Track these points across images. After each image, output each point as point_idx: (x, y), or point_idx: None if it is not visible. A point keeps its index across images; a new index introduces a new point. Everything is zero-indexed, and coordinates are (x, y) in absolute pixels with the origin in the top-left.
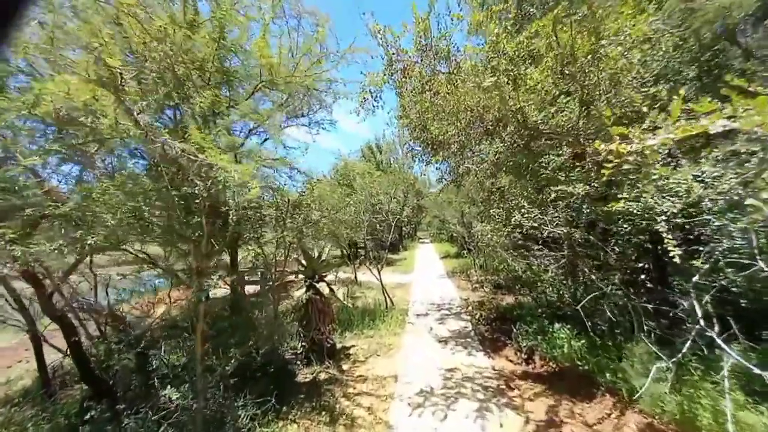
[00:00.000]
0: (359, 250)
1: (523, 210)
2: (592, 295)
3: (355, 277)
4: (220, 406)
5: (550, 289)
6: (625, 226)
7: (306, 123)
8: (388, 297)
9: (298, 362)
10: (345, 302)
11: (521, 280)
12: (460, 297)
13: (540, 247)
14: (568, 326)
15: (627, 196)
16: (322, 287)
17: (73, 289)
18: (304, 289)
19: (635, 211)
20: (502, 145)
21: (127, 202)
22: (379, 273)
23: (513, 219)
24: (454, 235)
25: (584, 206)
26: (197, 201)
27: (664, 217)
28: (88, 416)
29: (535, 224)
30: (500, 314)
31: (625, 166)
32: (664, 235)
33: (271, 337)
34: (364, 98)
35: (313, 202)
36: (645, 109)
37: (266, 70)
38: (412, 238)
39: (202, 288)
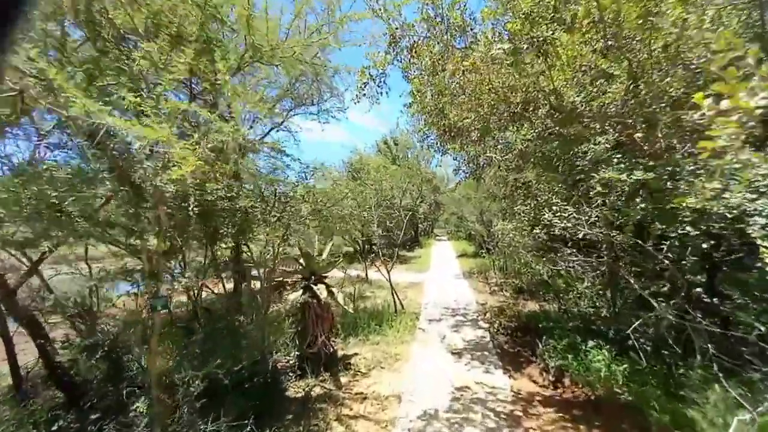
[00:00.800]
0: (373, 246)
1: (555, 207)
2: (648, 315)
3: (366, 275)
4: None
5: (584, 299)
6: (688, 228)
7: (315, 112)
8: (398, 299)
9: (291, 374)
10: (345, 306)
11: (548, 286)
12: (477, 301)
13: (571, 250)
14: (605, 345)
15: (704, 188)
16: (321, 290)
17: (44, 284)
18: (300, 292)
19: (715, 209)
20: (531, 131)
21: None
22: (388, 273)
23: (542, 218)
24: (472, 233)
25: (634, 203)
26: (148, 188)
27: (761, 219)
28: (55, 426)
29: (569, 224)
30: (522, 323)
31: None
32: (760, 242)
33: (259, 345)
34: (365, 83)
35: (308, 194)
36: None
37: (250, 37)
38: (429, 235)
39: (157, 295)
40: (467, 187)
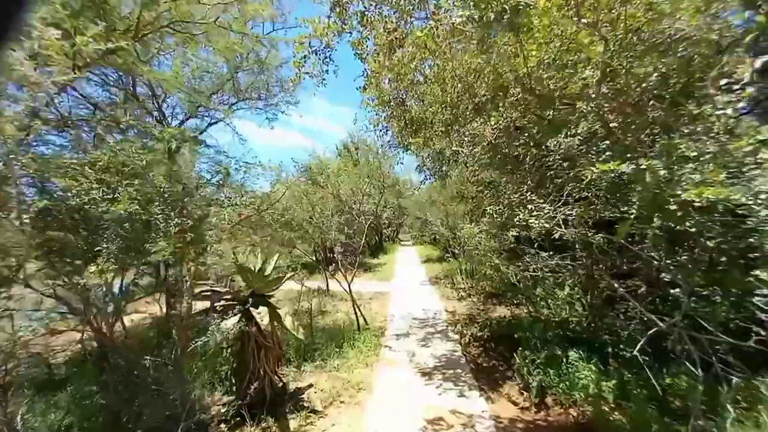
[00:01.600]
0: (335, 256)
1: (530, 206)
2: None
3: (327, 286)
4: None
5: (561, 304)
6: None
7: (261, 107)
8: (361, 315)
9: (223, 425)
10: (294, 332)
11: (516, 290)
12: (446, 309)
13: (545, 253)
14: (587, 355)
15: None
16: (262, 314)
17: None
18: (235, 319)
19: (742, 199)
20: (501, 120)
21: None
22: (349, 285)
23: (515, 218)
24: (437, 237)
25: (623, 198)
26: None
27: None
28: None
29: (546, 225)
30: (494, 332)
31: None
32: None
33: (179, 391)
34: (305, 56)
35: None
36: None
37: None
38: (394, 241)
39: None
40: (431, 189)
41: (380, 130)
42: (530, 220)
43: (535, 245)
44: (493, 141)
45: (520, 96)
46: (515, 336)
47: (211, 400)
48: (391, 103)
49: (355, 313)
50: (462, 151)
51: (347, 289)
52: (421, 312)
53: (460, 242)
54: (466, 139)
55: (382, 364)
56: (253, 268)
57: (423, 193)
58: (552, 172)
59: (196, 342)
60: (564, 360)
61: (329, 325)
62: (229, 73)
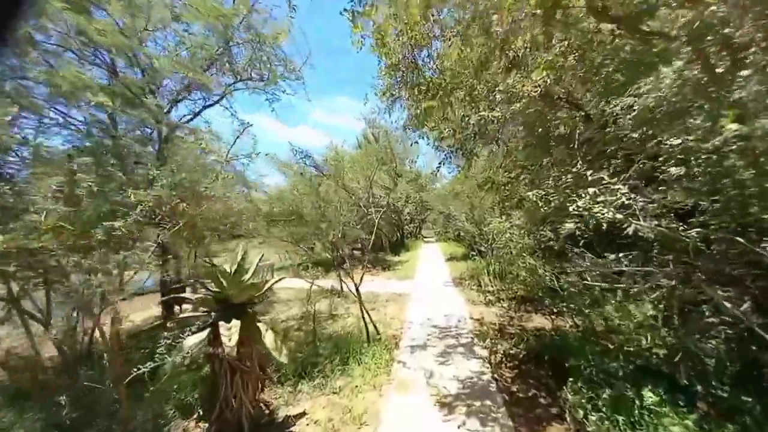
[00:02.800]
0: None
1: (595, 189)
2: None
3: (341, 287)
4: None
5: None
6: None
7: (262, 87)
8: (372, 323)
9: None
10: (275, 352)
11: (558, 296)
12: (471, 315)
13: (580, 249)
14: (665, 394)
15: None
16: (233, 330)
17: None
18: (201, 335)
19: None
20: (550, 69)
21: None
22: (356, 288)
23: (573, 206)
24: (461, 233)
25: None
26: None
27: None
28: None
29: (618, 215)
30: (533, 350)
31: None
32: None
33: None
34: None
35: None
36: None
37: None
38: (416, 237)
39: None
40: (455, 182)
41: (388, 101)
42: (594, 209)
43: (580, 243)
44: (537, 99)
45: (578, 33)
46: (563, 360)
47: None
48: (401, 67)
49: (365, 322)
50: (493, 118)
51: (354, 293)
52: (443, 318)
53: (488, 239)
54: (498, 101)
55: (392, 387)
56: (228, 270)
57: (446, 185)
58: (613, 147)
59: (142, 368)
60: (638, 402)
61: (338, 332)
62: (220, 44)
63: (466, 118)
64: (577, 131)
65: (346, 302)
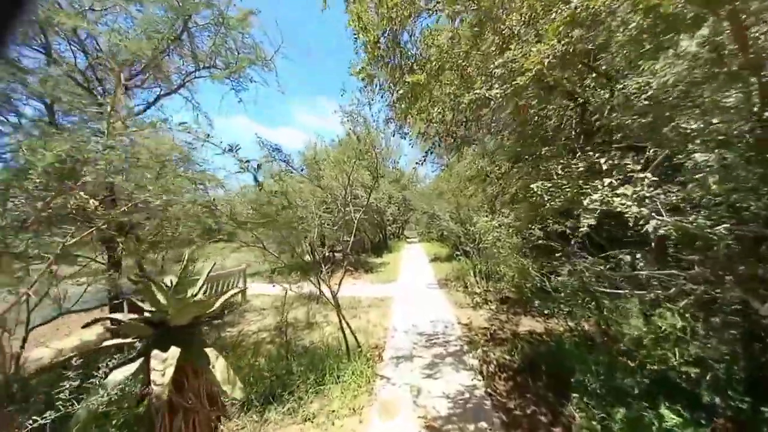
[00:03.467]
0: (334, 254)
1: (613, 180)
2: None
3: (319, 293)
4: None
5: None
6: None
7: (225, 74)
8: (352, 334)
9: None
10: (227, 388)
11: (550, 298)
12: (459, 319)
13: (575, 249)
14: (685, 412)
15: None
16: (167, 362)
17: None
18: (130, 368)
19: None
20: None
21: None
22: (333, 295)
23: (587, 198)
24: (445, 233)
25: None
26: None
27: None
28: None
29: (642, 209)
30: (527, 359)
31: None
32: None
33: None
34: None
35: None
36: None
37: None
38: (399, 238)
39: None
40: (440, 179)
41: (365, 82)
42: (613, 202)
43: (572, 242)
44: (537, 81)
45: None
46: (561, 369)
47: None
48: (380, 45)
49: (344, 334)
50: (490, 97)
51: (329, 297)
52: (429, 324)
53: (474, 238)
54: (496, 77)
55: (375, 410)
56: (167, 284)
57: (430, 184)
58: (620, 135)
59: (39, 420)
60: (657, 424)
61: (315, 343)
62: (178, 25)
63: (457, 99)
64: (575, 119)
65: (325, 309)
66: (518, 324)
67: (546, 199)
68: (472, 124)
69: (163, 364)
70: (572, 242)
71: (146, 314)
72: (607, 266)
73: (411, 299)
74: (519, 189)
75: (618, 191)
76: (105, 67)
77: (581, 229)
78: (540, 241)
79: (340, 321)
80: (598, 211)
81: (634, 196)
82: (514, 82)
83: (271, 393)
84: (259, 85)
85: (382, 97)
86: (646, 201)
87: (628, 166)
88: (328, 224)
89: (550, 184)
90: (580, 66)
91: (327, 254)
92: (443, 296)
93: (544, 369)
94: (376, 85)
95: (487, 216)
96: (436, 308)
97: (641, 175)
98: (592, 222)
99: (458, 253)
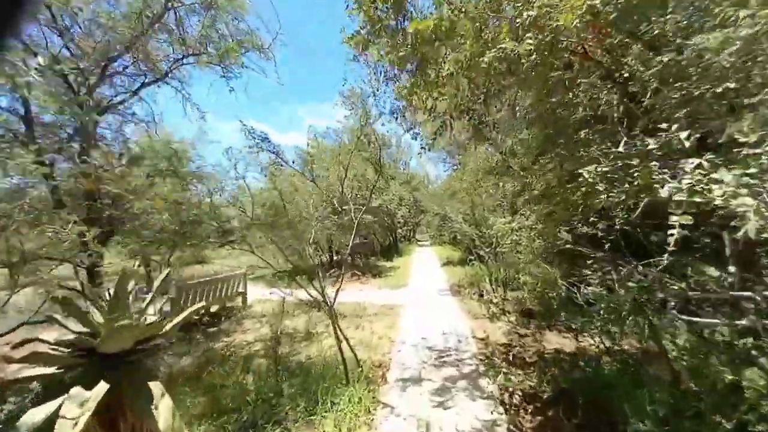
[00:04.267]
0: (341, 258)
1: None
2: None
3: (325, 299)
4: None
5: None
6: None
7: (215, 61)
8: (352, 351)
9: None
10: None
11: (586, 313)
12: (474, 333)
13: (606, 253)
14: None
15: None
16: (85, 405)
17: None
18: (50, 407)
19: None
20: None
21: None
22: (330, 307)
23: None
24: (458, 236)
25: None
26: None
27: None
28: None
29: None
30: (558, 387)
31: None
32: None
33: None
34: None
35: None
36: None
37: None
38: (410, 241)
39: None
40: (453, 179)
41: (360, 49)
42: (714, 192)
43: (606, 246)
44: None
45: None
46: (605, 405)
47: None
48: (378, 5)
49: (341, 354)
50: (521, 53)
51: (332, 307)
52: (440, 337)
53: (490, 242)
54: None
55: None
56: (101, 301)
57: (441, 185)
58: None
59: None
60: None
61: (312, 359)
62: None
63: (477, 59)
64: (616, 99)
65: (326, 318)
66: (542, 340)
67: (600, 190)
68: (492, 99)
69: (80, 409)
70: (606, 247)
71: (72, 337)
72: (670, 277)
73: (421, 307)
74: (549, 182)
75: (713, 175)
76: (83, 53)
77: (672, 232)
78: (567, 246)
79: (337, 336)
80: (684, 204)
81: (740, 183)
82: (553, 25)
83: (253, 423)
84: (266, 88)
85: (384, 76)
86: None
87: (739, 136)
88: (326, 224)
89: (607, 169)
90: (621, 36)
91: (335, 258)
92: (456, 304)
93: (580, 401)
94: (370, 47)
95: (505, 217)
96: (449, 318)
97: (757, 151)
98: (688, 221)
99: (472, 257)
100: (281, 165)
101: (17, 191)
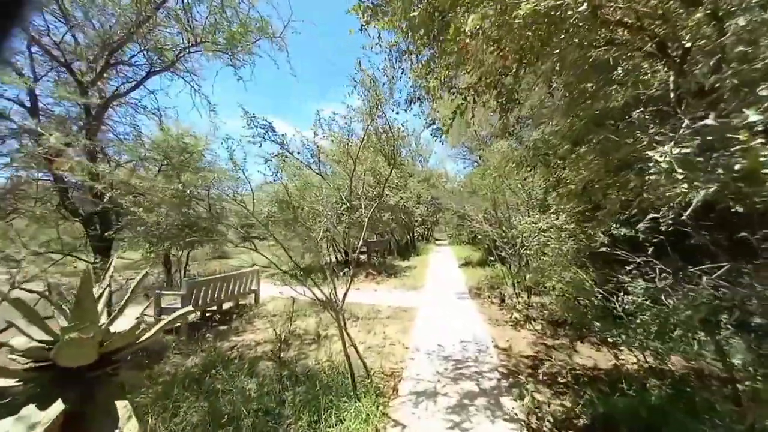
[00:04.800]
0: (361, 256)
1: None
2: None
3: (335, 298)
4: None
5: None
6: None
7: (223, 48)
8: (361, 360)
9: None
10: None
11: (625, 326)
12: (495, 341)
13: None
14: None
15: None
16: (35, 429)
17: None
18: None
19: None
20: None
21: None
22: (337, 313)
23: None
24: (478, 236)
25: None
26: None
27: None
28: None
29: None
30: (597, 411)
31: None
32: None
33: None
34: None
35: None
36: None
37: None
38: (428, 240)
39: None
40: (474, 175)
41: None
42: None
43: (650, 250)
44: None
45: None
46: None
47: None
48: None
49: (349, 364)
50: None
51: (338, 320)
52: (458, 346)
53: (513, 243)
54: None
55: None
56: (65, 308)
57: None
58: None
59: None
60: None
61: (320, 363)
62: None
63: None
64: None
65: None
66: (573, 353)
67: (680, 179)
68: (525, 69)
69: None
70: (649, 251)
71: (33, 345)
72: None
73: (438, 311)
74: (588, 176)
75: None
76: (90, 42)
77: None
78: (603, 248)
79: (344, 344)
80: None
81: None
82: None
83: None
84: (286, 85)
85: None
86: None
87: None
88: (341, 220)
89: (688, 150)
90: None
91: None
92: (475, 309)
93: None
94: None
95: (531, 216)
96: (467, 324)
97: None
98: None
99: (492, 258)
100: (286, 157)
101: (22, 184)
